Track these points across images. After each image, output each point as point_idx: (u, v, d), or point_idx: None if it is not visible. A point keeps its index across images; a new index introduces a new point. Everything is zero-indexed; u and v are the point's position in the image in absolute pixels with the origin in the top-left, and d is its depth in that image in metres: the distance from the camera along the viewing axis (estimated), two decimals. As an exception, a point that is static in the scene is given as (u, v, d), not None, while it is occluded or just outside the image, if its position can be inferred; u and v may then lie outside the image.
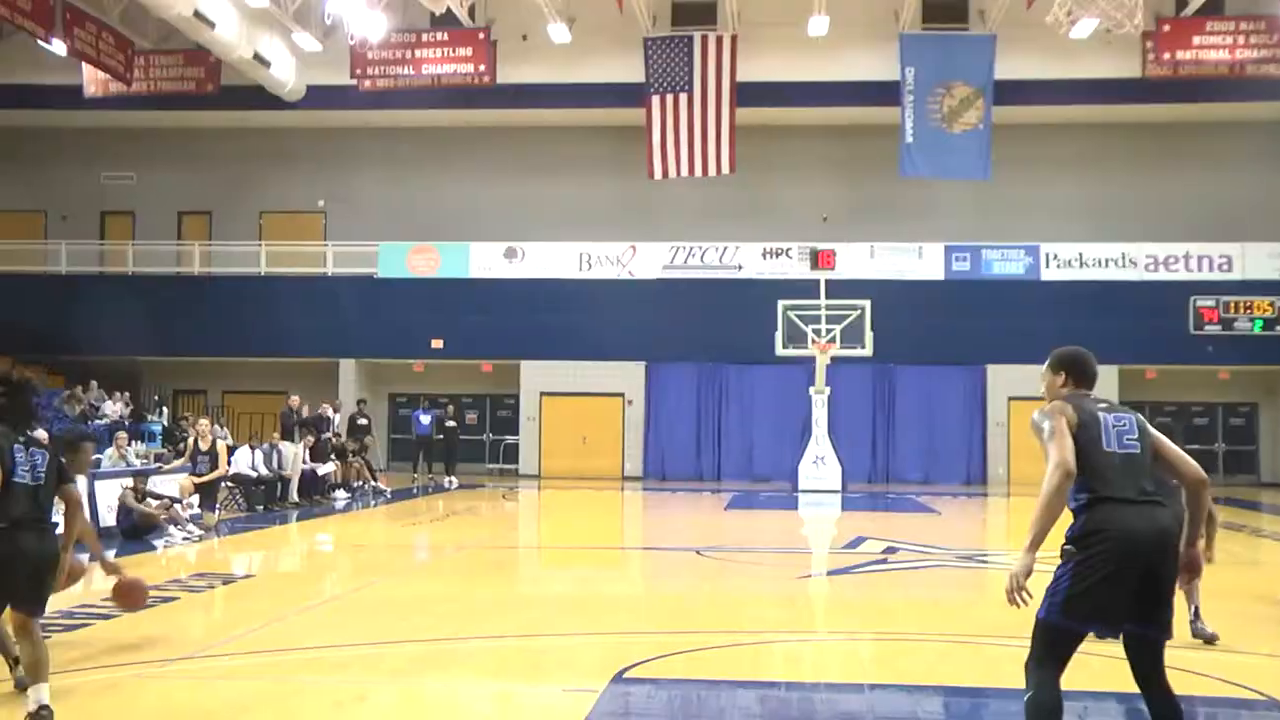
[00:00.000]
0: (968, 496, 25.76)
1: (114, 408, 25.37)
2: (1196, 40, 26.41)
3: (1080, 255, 28.75)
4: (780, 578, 13.14)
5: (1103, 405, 5.21)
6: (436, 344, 29.37)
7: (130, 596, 8.23)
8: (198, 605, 10.31)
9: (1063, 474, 4.94)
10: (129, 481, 16.01)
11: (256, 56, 27.42)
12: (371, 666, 8.07)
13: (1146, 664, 5.10)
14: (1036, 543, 4.95)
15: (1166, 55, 26.57)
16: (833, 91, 28.58)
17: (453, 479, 26.00)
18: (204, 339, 29.56)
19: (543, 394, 29.41)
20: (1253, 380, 29.28)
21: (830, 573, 13.95)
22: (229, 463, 18.86)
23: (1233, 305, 28.02)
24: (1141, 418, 5.26)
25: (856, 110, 29.03)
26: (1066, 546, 5.01)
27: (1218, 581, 9.10)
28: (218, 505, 18.31)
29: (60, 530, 6.68)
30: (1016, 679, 6.40)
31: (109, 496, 15.92)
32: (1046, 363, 5.44)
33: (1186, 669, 7.49)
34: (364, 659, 8.25)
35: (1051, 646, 4.98)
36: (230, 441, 21.41)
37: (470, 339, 29.23)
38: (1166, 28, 26.63)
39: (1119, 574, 4.87)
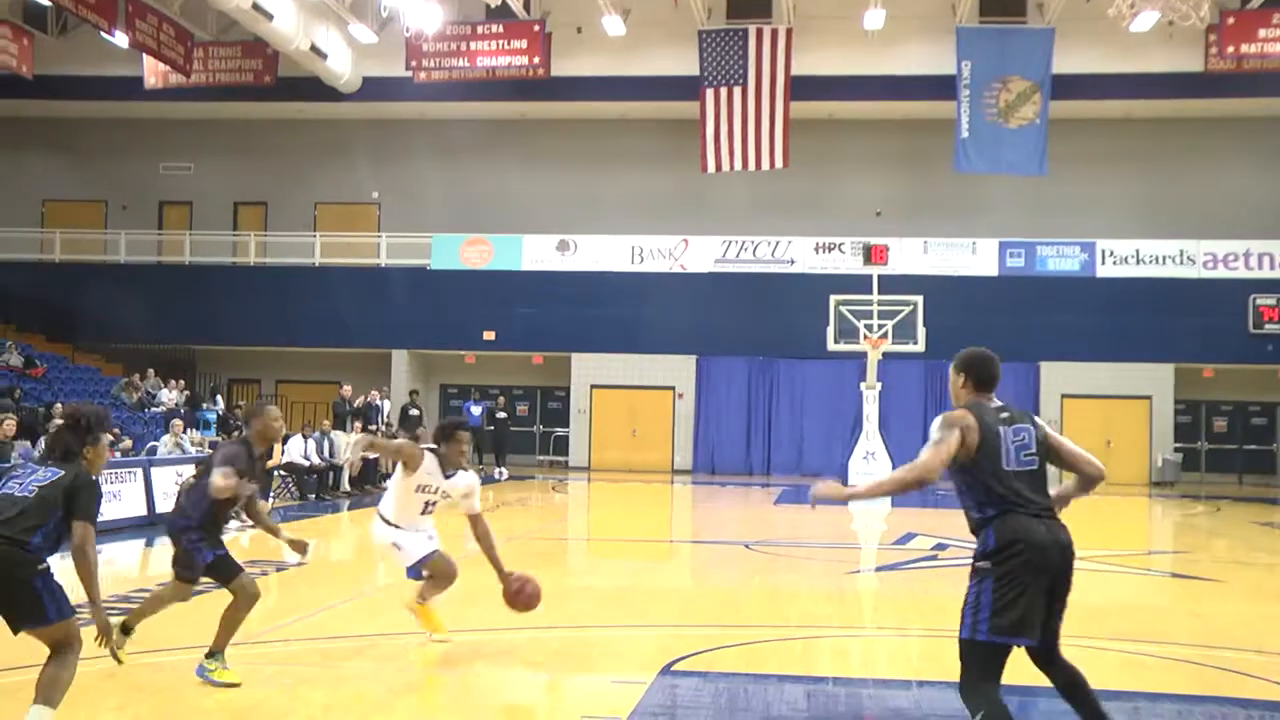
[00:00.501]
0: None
1: (170, 396, 25.69)
2: (1262, 33, 25.87)
3: (1137, 252, 28.39)
4: (830, 573, 13.09)
5: (1004, 415, 5.22)
6: (488, 335, 29.49)
7: (523, 599, 8.23)
8: (251, 591, 10.40)
9: (918, 477, 5.03)
10: (189, 469, 16.21)
11: (313, 48, 27.63)
12: (422, 656, 8.13)
13: (1043, 659, 5.20)
14: (857, 499, 5.33)
15: (1230, 49, 26.04)
16: (888, 85, 28.36)
17: (503, 470, 26.12)
18: (258, 328, 29.86)
19: (593, 386, 29.47)
20: (1314, 381, 28.78)
21: (880, 568, 13.90)
22: (283, 452, 19.11)
23: (1294, 304, 27.56)
24: (1041, 425, 5.27)
25: (911, 104, 28.84)
26: (980, 564, 5.02)
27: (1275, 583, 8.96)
28: (271, 493, 18.56)
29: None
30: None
31: (165, 483, 16.15)
32: (952, 362, 5.45)
33: (1238, 671, 7.37)
34: (414, 648, 8.30)
35: (986, 664, 4.97)
36: (284, 431, 21.61)
37: (522, 331, 29.31)
38: (1231, 20, 26.08)
39: (1035, 585, 4.93)
